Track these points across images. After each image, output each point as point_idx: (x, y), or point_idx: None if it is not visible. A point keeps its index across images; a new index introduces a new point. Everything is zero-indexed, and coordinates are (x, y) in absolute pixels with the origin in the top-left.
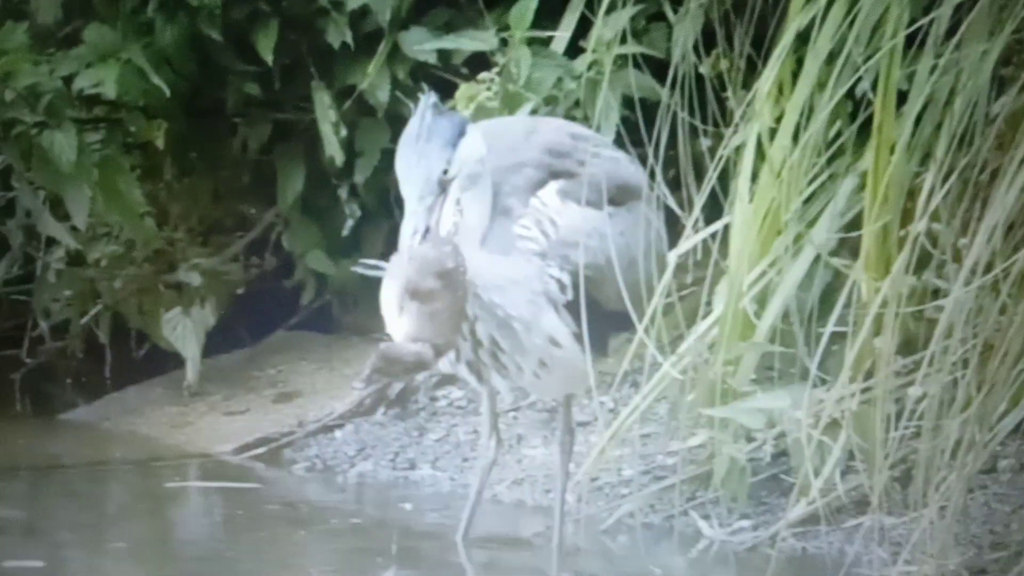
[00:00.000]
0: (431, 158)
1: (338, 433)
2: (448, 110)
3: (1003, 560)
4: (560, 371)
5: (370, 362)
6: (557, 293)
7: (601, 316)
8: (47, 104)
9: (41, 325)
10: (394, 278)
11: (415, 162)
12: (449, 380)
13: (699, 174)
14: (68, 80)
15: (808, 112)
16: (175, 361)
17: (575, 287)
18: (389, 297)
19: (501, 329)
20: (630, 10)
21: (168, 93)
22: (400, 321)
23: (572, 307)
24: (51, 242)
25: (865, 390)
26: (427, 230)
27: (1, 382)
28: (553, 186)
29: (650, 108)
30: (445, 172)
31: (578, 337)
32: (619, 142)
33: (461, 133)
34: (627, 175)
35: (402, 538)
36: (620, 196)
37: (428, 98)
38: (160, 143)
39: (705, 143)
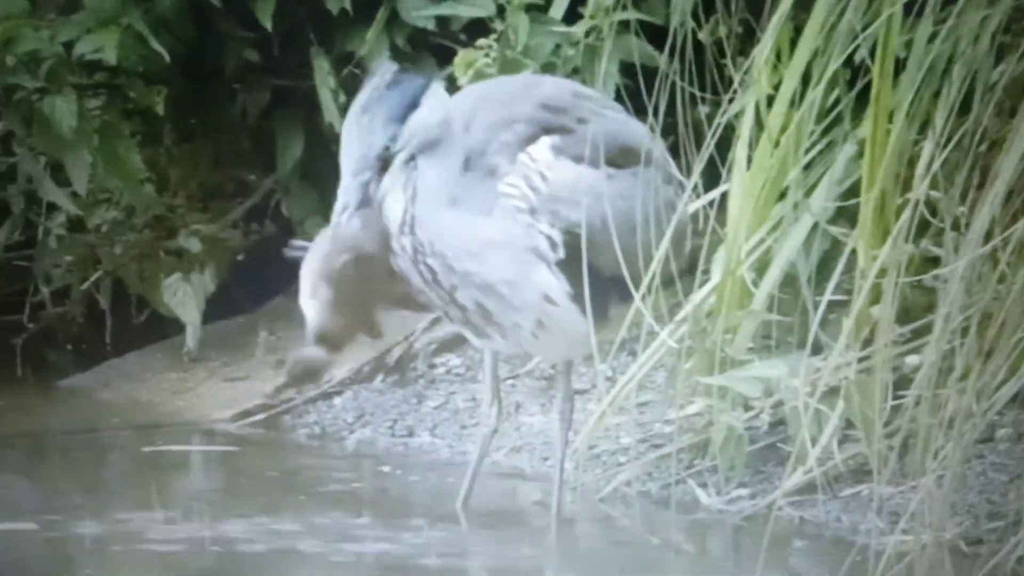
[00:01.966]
0: (372, 133)
1: (337, 400)
2: (407, 77)
3: (1000, 530)
4: (559, 331)
5: (286, 372)
6: (547, 250)
7: (599, 280)
8: (48, 70)
9: (42, 291)
10: (314, 256)
11: (354, 136)
12: (448, 348)
13: (697, 141)
14: (68, 46)
15: (806, 79)
16: (175, 327)
17: (567, 246)
18: (305, 275)
19: (484, 293)
20: None
21: (168, 59)
22: (311, 303)
23: (568, 269)
24: (52, 208)
25: (863, 359)
26: (358, 205)
27: (2, 347)
28: (545, 141)
29: (648, 75)
30: (387, 148)
31: (574, 298)
32: None
33: (414, 104)
34: (633, 138)
35: (401, 505)
36: (622, 158)
37: (385, 69)
38: (160, 109)
39: (703, 110)
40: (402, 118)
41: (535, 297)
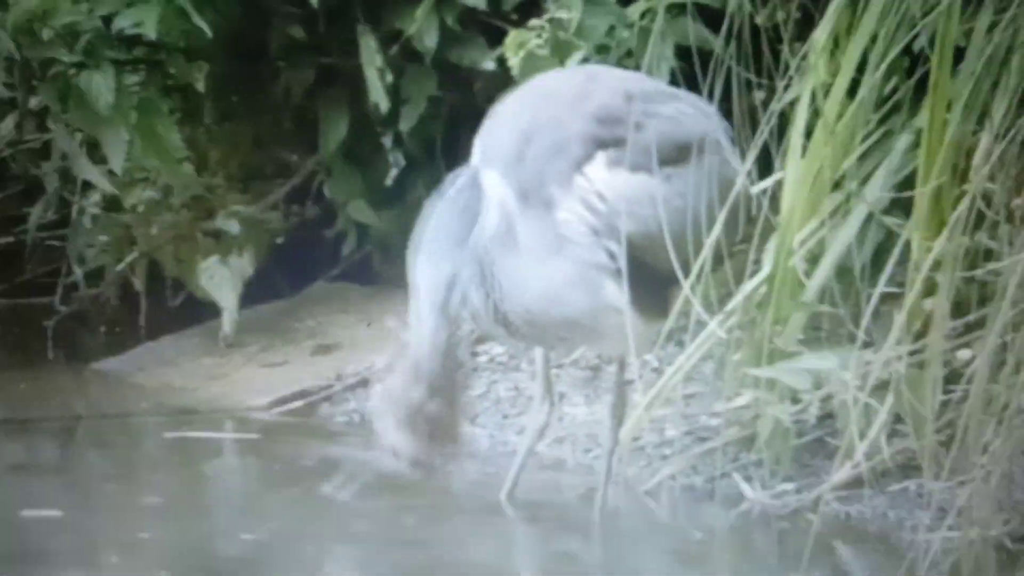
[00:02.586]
0: (440, 260)
1: (377, 387)
2: (468, 186)
3: None
4: (614, 334)
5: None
6: (609, 263)
7: (657, 278)
8: (85, 44)
9: (75, 272)
10: (391, 391)
11: (422, 263)
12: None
13: (752, 128)
14: (108, 19)
15: (863, 67)
16: (211, 311)
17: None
18: (384, 415)
19: (569, 329)
20: None
21: (210, 34)
22: (401, 440)
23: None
24: (87, 186)
25: (913, 352)
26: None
27: (34, 330)
28: (601, 158)
29: (703, 59)
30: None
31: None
32: None
33: (476, 214)
34: (689, 134)
35: (443, 496)
36: (679, 156)
37: (452, 185)
38: (200, 86)
39: (759, 96)
40: (467, 238)
41: (604, 310)
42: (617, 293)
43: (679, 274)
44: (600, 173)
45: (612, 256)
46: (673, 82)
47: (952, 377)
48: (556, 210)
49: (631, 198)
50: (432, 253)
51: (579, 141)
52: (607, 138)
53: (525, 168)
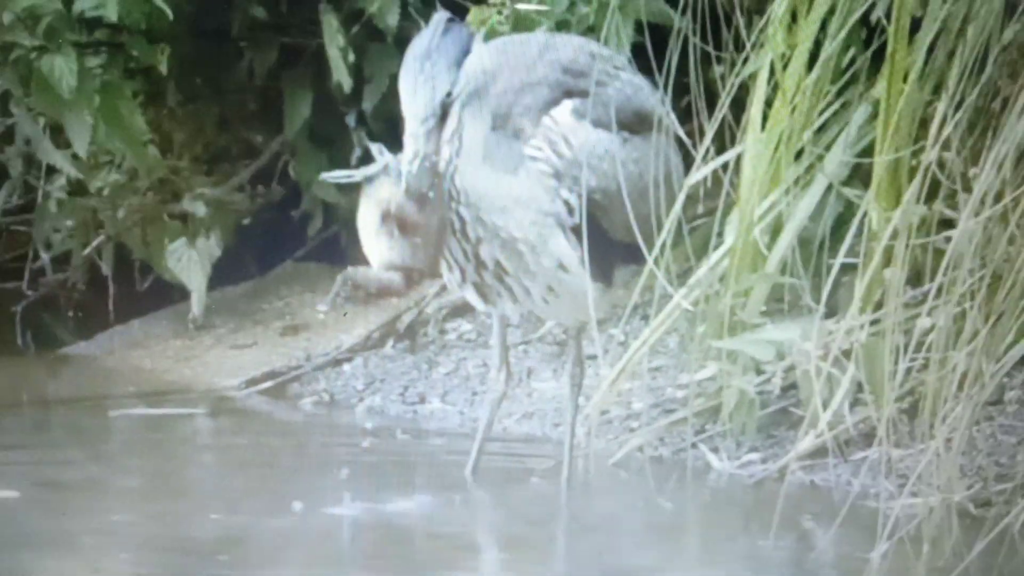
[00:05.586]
0: (437, 79)
1: (346, 367)
2: (456, 25)
3: (1008, 492)
4: (569, 296)
5: (335, 286)
6: (565, 215)
7: (607, 244)
8: (46, 27)
9: (42, 256)
10: (375, 200)
11: (421, 83)
12: (459, 313)
13: (711, 102)
14: (68, 2)
15: (820, 40)
16: (180, 293)
17: (581, 210)
18: (368, 219)
19: (505, 251)
20: None
21: (172, 16)
22: (377, 245)
23: (579, 231)
24: (51, 171)
25: (874, 322)
26: (427, 152)
27: (2, 315)
28: (567, 105)
29: (662, 34)
30: (449, 94)
31: (584, 262)
32: None
33: (466, 51)
34: (646, 103)
35: (410, 472)
36: (637, 123)
37: (440, 16)
38: (163, 68)
39: (718, 70)
40: (459, 64)
41: (550, 263)
42: (568, 250)
43: (642, 246)
44: (566, 119)
45: (570, 210)
46: (633, 57)
47: (911, 345)
48: (523, 142)
49: (592, 151)
50: (427, 72)
51: (548, 86)
52: (574, 88)
53: (497, 97)
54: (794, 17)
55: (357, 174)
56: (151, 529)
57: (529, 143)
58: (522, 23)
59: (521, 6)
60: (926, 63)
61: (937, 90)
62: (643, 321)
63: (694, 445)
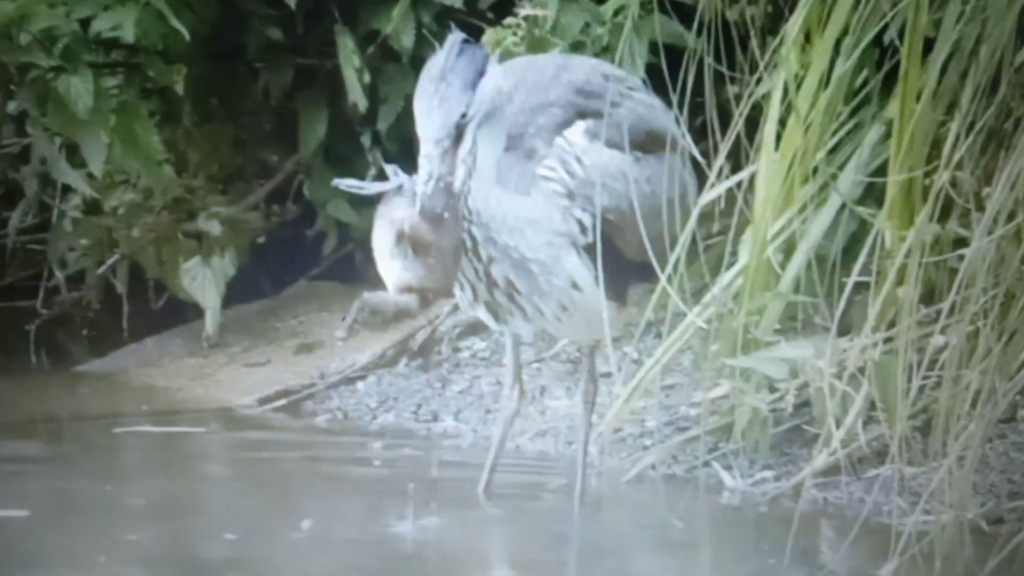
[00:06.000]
0: (451, 100)
1: (360, 385)
2: (471, 46)
3: (1021, 509)
4: (581, 315)
5: (352, 312)
6: (578, 235)
7: (621, 263)
8: (63, 48)
9: (57, 275)
10: (389, 220)
11: (436, 104)
12: (472, 331)
13: (725, 122)
14: (85, 23)
15: (834, 60)
16: (194, 312)
17: (595, 230)
18: (383, 240)
19: (517, 271)
20: None
21: (188, 37)
22: (392, 266)
23: (593, 252)
24: (67, 190)
25: (888, 340)
26: (441, 173)
27: (16, 333)
28: (580, 125)
29: (676, 54)
30: (463, 115)
31: (598, 282)
32: None
33: (481, 72)
34: (659, 122)
35: (424, 491)
36: (650, 143)
37: (455, 37)
38: (179, 88)
39: (732, 90)
40: (474, 85)
41: (562, 283)
42: (582, 269)
43: (655, 264)
44: (580, 139)
45: (583, 229)
46: (649, 77)
47: (924, 363)
48: (536, 162)
49: (605, 171)
50: (442, 93)
51: (561, 106)
52: (587, 109)
53: (511, 118)
54: (808, 38)
55: (370, 187)
56: (163, 547)
57: (542, 163)
58: (537, 44)
59: (525, 12)
60: (939, 83)
61: (950, 110)
62: (657, 339)
63: (707, 463)
